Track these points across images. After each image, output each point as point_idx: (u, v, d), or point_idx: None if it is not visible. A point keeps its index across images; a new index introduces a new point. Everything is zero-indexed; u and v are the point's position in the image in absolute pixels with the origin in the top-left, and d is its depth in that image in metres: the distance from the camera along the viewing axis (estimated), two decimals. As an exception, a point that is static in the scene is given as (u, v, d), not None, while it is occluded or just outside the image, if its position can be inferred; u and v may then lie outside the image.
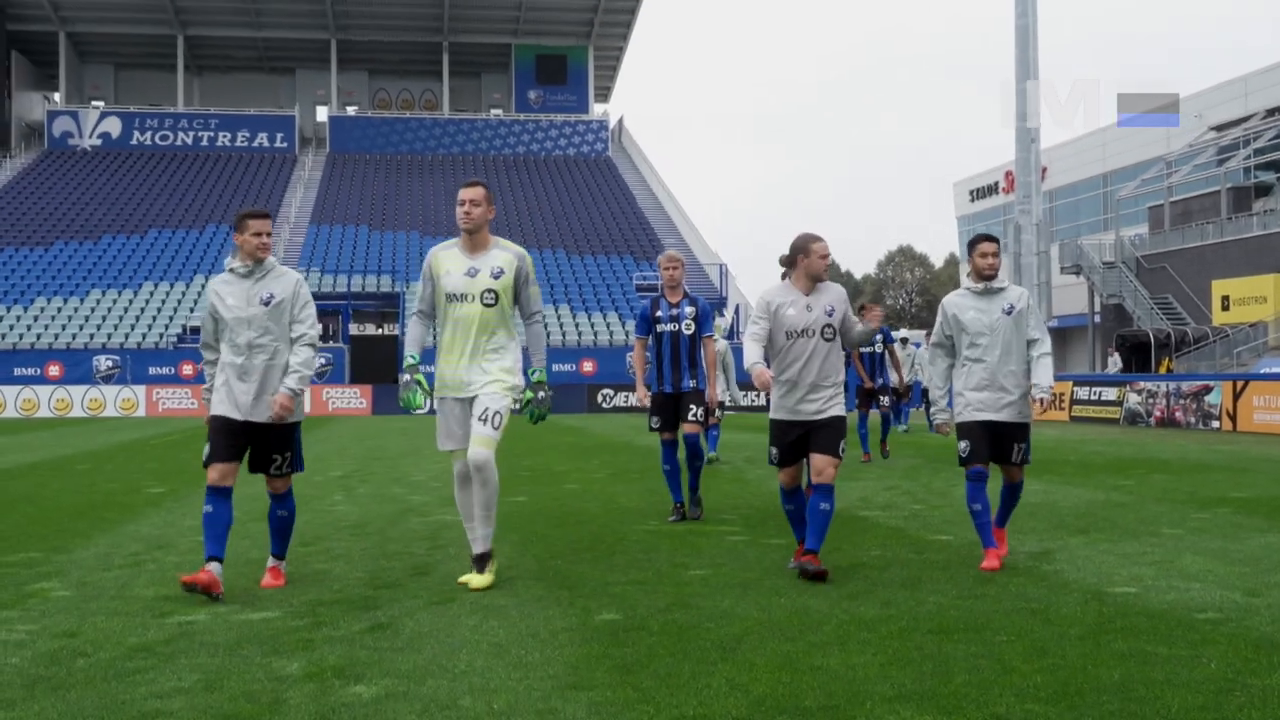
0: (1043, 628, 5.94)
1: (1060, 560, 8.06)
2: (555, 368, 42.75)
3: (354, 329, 45.60)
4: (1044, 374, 7.81)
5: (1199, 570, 7.63)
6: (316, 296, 47.91)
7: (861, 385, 17.69)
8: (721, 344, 15.63)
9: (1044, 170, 39.57)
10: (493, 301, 7.27)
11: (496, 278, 7.28)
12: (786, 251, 7.79)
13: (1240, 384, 26.86)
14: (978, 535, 7.97)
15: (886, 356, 18.09)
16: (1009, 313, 7.84)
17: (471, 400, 7.22)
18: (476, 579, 7.20)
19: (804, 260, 7.59)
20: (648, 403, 10.53)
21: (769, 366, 7.58)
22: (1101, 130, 59.07)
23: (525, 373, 7.47)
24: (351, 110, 70.52)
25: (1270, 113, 47.24)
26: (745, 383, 30.18)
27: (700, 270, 51.62)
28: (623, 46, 72.12)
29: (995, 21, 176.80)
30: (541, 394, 7.49)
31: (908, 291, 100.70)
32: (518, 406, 7.45)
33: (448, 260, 7.38)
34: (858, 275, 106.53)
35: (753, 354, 7.51)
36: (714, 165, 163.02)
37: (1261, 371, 31.51)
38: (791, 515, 7.95)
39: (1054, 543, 8.84)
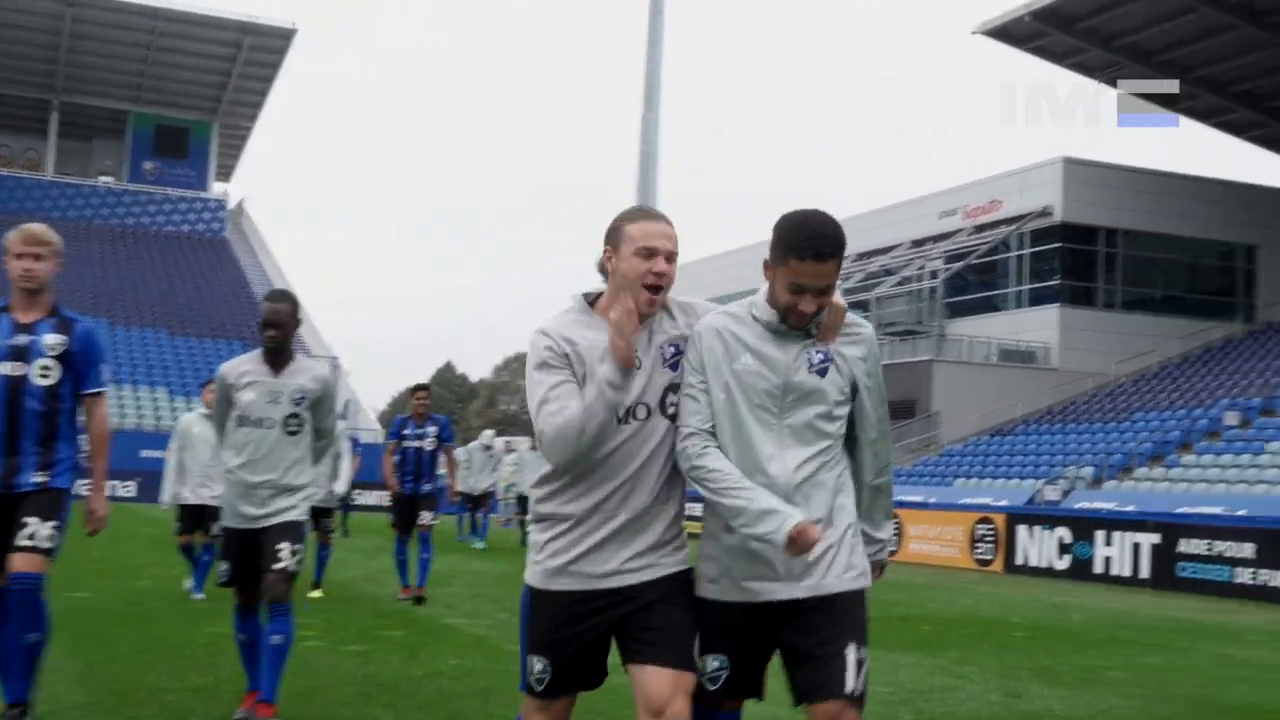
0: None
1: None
2: (145, 453, 40.49)
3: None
4: (882, 517, 4.00)
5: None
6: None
7: (403, 495, 12.60)
8: (340, 424, 12.80)
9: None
10: None
11: None
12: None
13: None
14: None
15: (440, 456, 12.89)
16: (822, 372, 3.70)
17: None
18: None
19: (620, 254, 3.73)
20: None
21: (543, 483, 3.82)
22: (732, 252, 62.06)
23: None
24: (-61, 161, 65.26)
25: (916, 244, 50.81)
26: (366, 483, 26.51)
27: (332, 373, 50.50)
28: (250, 126, 70.34)
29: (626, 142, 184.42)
30: None
31: (522, 398, 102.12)
32: None
33: None
34: (474, 379, 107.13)
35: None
36: (344, 257, 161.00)
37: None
38: None
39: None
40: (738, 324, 3.73)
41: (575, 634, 3.70)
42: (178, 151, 67.75)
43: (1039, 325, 40.00)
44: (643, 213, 3.83)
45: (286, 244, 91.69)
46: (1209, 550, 18.92)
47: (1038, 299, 40.22)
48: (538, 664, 3.75)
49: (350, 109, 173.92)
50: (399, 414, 13.54)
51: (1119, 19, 33.79)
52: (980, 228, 42.66)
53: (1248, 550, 18.34)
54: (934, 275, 45.15)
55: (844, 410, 3.74)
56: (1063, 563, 21.41)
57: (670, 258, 3.70)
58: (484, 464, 22.27)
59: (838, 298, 3.73)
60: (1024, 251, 40.89)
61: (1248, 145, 41.08)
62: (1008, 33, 36.28)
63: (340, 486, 13.23)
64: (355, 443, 19.80)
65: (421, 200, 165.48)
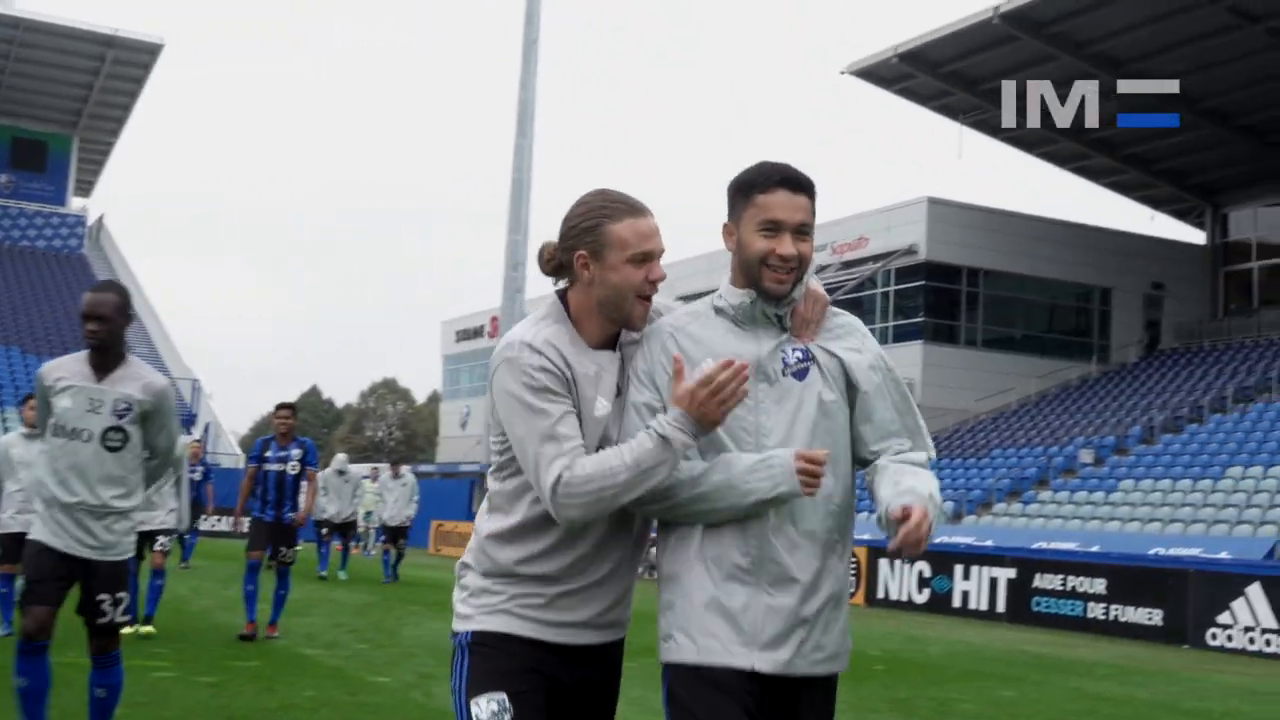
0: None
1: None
2: (-6, 475, 39.12)
3: None
4: (920, 477, 2.99)
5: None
6: None
7: (263, 522, 11.58)
8: (182, 441, 11.36)
9: (526, 319, 41.10)
10: None
11: None
12: (573, 230, 3.06)
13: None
14: None
15: (303, 483, 11.90)
16: (800, 374, 2.99)
17: None
18: None
19: (604, 262, 3.00)
20: None
21: (511, 538, 3.07)
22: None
23: None
24: None
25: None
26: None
27: (170, 385, 49.29)
28: (112, 142, 68.59)
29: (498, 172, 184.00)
30: None
31: (388, 425, 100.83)
32: None
33: None
34: (339, 404, 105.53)
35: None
36: (206, 276, 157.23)
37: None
38: None
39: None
40: (696, 322, 3.02)
41: (532, 670, 2.99)
42: (35, 165, 65.90)
43: (903, 361, 40.76)
44: (626, 206, 3.01)
45: (149, 263, 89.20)
46: (1063, 585, 19.39)
47: (902, 335, 40.99)
48: (490, 704, 2.93)
49: (224, 127, 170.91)
50: (261, 435, 12.82)
51: (981, 64, 34.72)
52: (848, 264, 43.41)
53: (1100, 585, 18.84)
54: (802, 310, 45.79)
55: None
56: (922, 596, 21.75)
57: (661, 255, 3.03)
58: (340, 489, 20.82)
59: (816, 285, 3.05)
60: (889, 288, 41.67)
61: (1105, 190, 42.49)
62: (876, 74, 37.06)
63: (182, 523, 12.10)
64: (209, 472, 19.13)
65: (298, 223, 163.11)
